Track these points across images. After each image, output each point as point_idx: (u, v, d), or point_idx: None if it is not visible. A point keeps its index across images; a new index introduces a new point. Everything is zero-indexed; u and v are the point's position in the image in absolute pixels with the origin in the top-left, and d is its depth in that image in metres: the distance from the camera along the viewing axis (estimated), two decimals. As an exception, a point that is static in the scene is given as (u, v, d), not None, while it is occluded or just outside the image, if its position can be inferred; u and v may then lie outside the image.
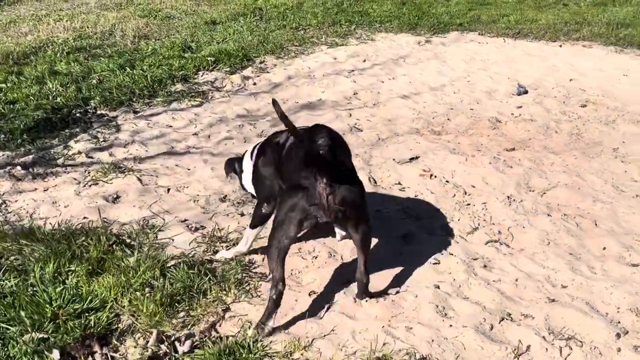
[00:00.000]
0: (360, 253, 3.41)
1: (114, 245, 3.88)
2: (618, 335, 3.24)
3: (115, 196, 4.73)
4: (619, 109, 6.85)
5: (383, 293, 3.61)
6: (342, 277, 3.76)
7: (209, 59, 8.18)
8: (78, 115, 6.31)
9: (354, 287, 3.60)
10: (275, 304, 3.21)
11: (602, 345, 3.18)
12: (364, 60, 8.68)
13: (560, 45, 9.66)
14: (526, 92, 7.44)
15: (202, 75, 7.81)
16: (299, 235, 3.27)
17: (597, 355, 3.12)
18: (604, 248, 4.13)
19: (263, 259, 3.90)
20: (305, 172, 3.15)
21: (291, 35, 9.89)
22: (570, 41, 9.95)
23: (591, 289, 3.68)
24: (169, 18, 11.17)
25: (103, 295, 3.39)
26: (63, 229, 4.06)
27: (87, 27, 10.06)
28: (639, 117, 6.64)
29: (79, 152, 5.51)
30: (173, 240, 4.10)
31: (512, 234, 4.30)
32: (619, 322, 3.38)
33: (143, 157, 5.49)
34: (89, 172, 5.10)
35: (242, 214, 4.50)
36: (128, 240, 4.00)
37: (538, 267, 3.91)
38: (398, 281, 3.74)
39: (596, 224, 4.45)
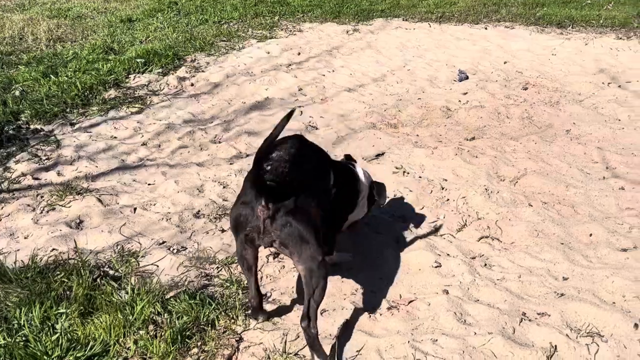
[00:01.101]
0: (307, 292, 2.93)
1: (98, 279, 3.56)
2: (636, 326, 3.27)
3: (78, 221, 4.37)
4: (559, 90, 7.03)
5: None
6: (347, 287, 3.62)
7: (138, 60, 7.76)
8: (11, 132, 5.80)
9: (361, 298, 3.48)
10: (256, 311, 3.29)
11: (624, 337, 3.20)
12: (299, 54, 8.51)
13: (486, 28, 9.83)
14: (467, 77, 7.51)
15: (134, 79, 7.40)
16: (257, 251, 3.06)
17: (622, 349, 3.13)
18: (591, 235, 4.18)
19: (261, 278, 3.71)
20: (249, 190, 2.90)
21: (216, 30, 9.58)
22: (492, 23, 10.16)
23: (592, 279, 3.70)
24: (80, 17, 10.56)
25: (102, 337, 3.09)
26: (35, 265, 3.69)
27: (-7, 32, 9.33)
28: (580, 96, 6.83)
29: (23, 174, 5.06)
30: (158, 266, 3.82)
31: (500, 227, 4.29)
32: (630, 312, 3.41)
33: (95, 175, 5.11)
34: (41, 196, 4.68)
35: (223, 230, 4.26)
36: (112, 272, 3.68)
37: (536, 260, 3.91)
38: (405, 289, 3.64)
39: (575, 210, 4.51)
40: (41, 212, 4.47)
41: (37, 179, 5.03)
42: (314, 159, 3.30)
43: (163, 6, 11.14)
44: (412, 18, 10.64)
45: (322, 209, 3.04)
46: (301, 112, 6.44)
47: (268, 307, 3.45)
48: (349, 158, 4.01)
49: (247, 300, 3.41)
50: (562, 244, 4.09)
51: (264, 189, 2.80)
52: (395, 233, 4.21)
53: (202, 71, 7.76)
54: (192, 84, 7.33)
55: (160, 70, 7.71)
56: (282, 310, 3.44)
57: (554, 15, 10.31)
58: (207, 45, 8.75)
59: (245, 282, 3.53)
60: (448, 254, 3.98)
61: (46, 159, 5.36)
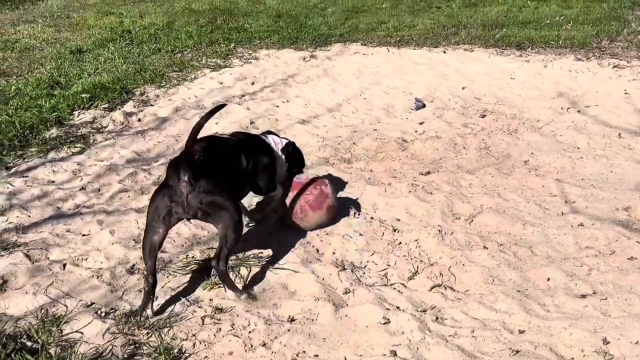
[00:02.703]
0: (220, 242, 3.72)
1: (13, 354, 3.24)
2: (595, 387, 3.05)
3: (1, 282, 4.04)
4: (518, 117, 6.87)
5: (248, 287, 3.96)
6: (288, 352, 3.35)
7: (83, 95, 7.45)
8: (-62, 180, 5.45)
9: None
10: (147, 295, 3.67)
11: (582, 401, 2.97)
12: (253, 83, 8.27)
13: (444, 51, 9.69)
14: (424, 105, 7.33)
15: (78, 116, 7.09)
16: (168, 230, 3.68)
17: (581, 415, 2.90)
18: (549, 279, 3.98)
19: (194, 344, 3.41)
20: (171, 171, 3.61)
21: (169, 60, 9.31)
22: (451, 46, 10.02)
23: (550, 331, 3.48)
24: (28, 49, 10.20)
25: None
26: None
27: None
28: (538, 123, 6.67)
29: (-53, 227, 4.72)
30: (83, 334, 3.51)
31: (453, 274, 4.05)
32: (589, 368, 3.19)
33: (27, 225, 4.79)
34: (-37, 254, 4.34)
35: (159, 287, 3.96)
36: (29, 344, 3.36)
37: (490, 311, 3.68)
38: (351, 351, 3.37)
39: (532, 251, 4.31)
40: (-40, 272, 4.13)
41: (-39, 232, 4.68)
42: (226, 145, 4.09)
43: (115, 35, 10.82)
44: (371, 42, 10.47)
45: (234, 180, 3.98)
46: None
47: (200, 378, 3.17)
48: (268, 132, 4.91)
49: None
50: (519, 291, 3.86)
51: (189, 167, 3.51)
52: (341, 284, 3.95)
53: (151, 105, 7.48)
54: (139, 119, 7.04)
55: (106, 105, 7.41)
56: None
57: (513, 36, 10.20)
58: (158, 77, 8.47)
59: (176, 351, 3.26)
60: (398, 307, 3.73)
61: (-25, 209, 5.01)
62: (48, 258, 4.35)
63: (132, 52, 9.77)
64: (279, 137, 4.82)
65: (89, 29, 11.64)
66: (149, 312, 3.66)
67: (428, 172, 5.59)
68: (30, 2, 15.06)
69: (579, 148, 6.03)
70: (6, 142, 6.22)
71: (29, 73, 8.75)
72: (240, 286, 3.91)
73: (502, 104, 7.30)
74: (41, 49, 10.26)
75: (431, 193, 5.17)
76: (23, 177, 5.61)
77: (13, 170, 5.76)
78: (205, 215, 3.66)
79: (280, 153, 4.63)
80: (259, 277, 4.07)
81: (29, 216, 4.93)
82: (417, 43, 10.28)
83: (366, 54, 9.75)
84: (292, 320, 3.62)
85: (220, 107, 3.68)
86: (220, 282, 3.90)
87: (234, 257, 4.24)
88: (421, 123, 6.80)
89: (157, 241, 3.65)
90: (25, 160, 5.97)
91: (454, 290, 3.91)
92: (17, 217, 4.89)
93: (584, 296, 3.79)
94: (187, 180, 3.51)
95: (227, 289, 3.81)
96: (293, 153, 4.80)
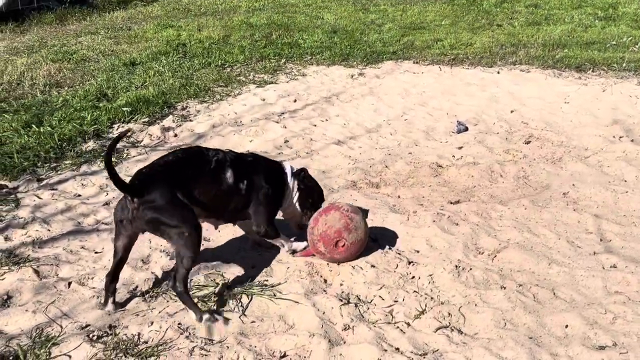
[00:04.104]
0: (175, 261, 3.80)
1: (-6, 377, 3.23)
2: None
3: (5, 297, 4.07)
4: (564, 145, 6.53)
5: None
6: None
7: (124, 109, 7.55)
8: (-29, 190, 5.59)
9: None
10: (106, 292, 3.95)
11: None
12: (295, 101, 8.20)
13: (498, 72, 9.38)
14: (466, 129, 7.08)
15: (117, 129, 7.18)
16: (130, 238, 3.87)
17: None
18: (567, 326, 3.70)
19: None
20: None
21: (216, 75, 9.36)
22: (507, 66, 9.70)
23: (557, 386, 3.21)
24: (84, 61, 10.47)
25: None
26: None
27: (-7, 77, 9.27)
28: (585, 152, 6.32)
29: (-31, 239, 4.81)
30: (71, 357, 3.48)
31: (463, 315, 3.83)
32: None
33: (45, 240, 4.84)
34: (-24, 267, 4.41)
35: (153, 310, 3.90)
36: (14, 365, 3.36)
37: (495, 359, 3.43)
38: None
39: (554, 294, 4.03)
40: (-32, 286, 4.19)
41: (-19, 244, 4.76)
42: (205, 160, 4.02)
43: (170, 49, 10.98)
44: (424, 61, 10.25)
45: (207, 198, 3.95)
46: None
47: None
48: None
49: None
50: (531, 338, 3.60)
51: (123, 189, 3.67)
52: (342, 320, 3.78)
53: (190, 120, 7.51)
54: (175, 135, 7.07)
55: (146, 119, 7.49)
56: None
57: (573, 57, 9.79)
58: (202, 92, 8.52)
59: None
60: (397, 349, 3.53)
61: (-1, 221, 5.11)
62: (57, 275, 4.37)
63: (182, 66, 9.88)
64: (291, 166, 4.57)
65: (147, 41, 11.87)
66: (108, 307, 3.91)
67: (457, 201, 5.36)
68: (98, 14, 15.53)
69: (625, 181, 5.67)
70: (42, 154, 6.35)
71: (80, 84, 8.95)
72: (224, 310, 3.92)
73: (550, 129, 6.97)
74: (97, 60, 10.52)
75: (457, 224, 4.94)
76: (52, 189, 5.70)
77: (44, 182, 5.86)
78: (154, 231, 3.78)
79: (290, 179, 4.42)
80: (259, 307, 3.95)
81: (49, 230, 4.98)
82: (472, 62, 10.00)
83: (416, 73, 9.54)
84: (283, 356, 3.49)
85: (124, 134, 4.03)
86: (215, 311, 3.84)
87: (238, 284, 4.14)
88: (460, 147, 6.56)
89: (120, 247, 3.86)
90: (58, 172, 6.07)
91: (461, 333, 3.69)
92: (37, 230, 4.95)
93: (602, 348, 3.50)
94: (129, 199, 3.67)
95: (188, 310, 3.78)
96: (305, 181, 4.48)
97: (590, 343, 3.55)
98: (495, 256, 4.49)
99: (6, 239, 4.84)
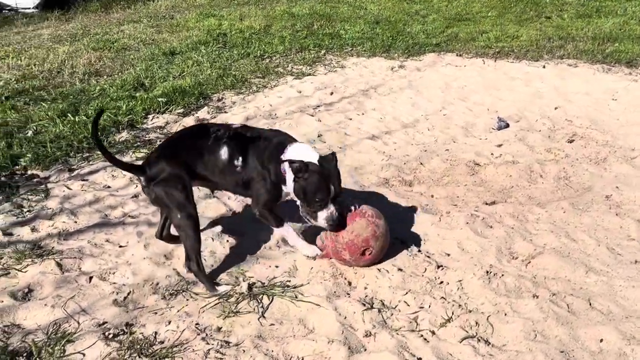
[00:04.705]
0: (184, 245, 4.01)
1: (6, 374, 3.19)
2: None
3: (26, 291, 4.05)
4: (610, 144, 6.24)
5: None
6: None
7: (160, 99, 7.51)
8: (3, 179, 5.61)
9: None
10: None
11: None
12: (332, 93, 8.05)
13: (544, 66, 9.06)
14: (507, 125, 6.83)
15: (151, 120, 7.15)
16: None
17: None
18: (601, 340, 3.49)
19: (189, 380, 3.24)
20: None
21: (254, 66, 9.28)
22: (554, 60, 9.37)
23: (588, 406, 3.02)
24: (125, 50, 10.50)
25: None
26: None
27: (34, 65, 9.36)
28: (632, 152, 6.03)
29: (-3, 228, 4.82)
30: (84, 355, 3.42)
31: (492, 324, 3.65)
32: None
33: (70, 232, 4.82)
34: (0, 258, 4.40)
35: (172, 309, 3.83)
36: (26, 362, 3.32)
37: (523, 374, 3.25)
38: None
39: (590, 304, 3.81)
40: (-9, 278, 4.18)
41: (9, 234, 4.77)
42: (205, 135, 4.12)
43: (210, 38, 10.93)
44: (467, 53, 9.98)
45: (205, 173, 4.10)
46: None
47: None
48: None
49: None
50: (562, 352, 3.41)
51: (131, 170, 4.26)
52: (364, 326, 3.64)
53: (225, 112, 7.43)
54: (209, 127, 6.98)
55: (181, 110, 7.44)
56: None
57: (624, 52, 9.40)
58: (239, 83, 8.44)
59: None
60: (419, 359, 3.38)
61: (27, 211, 5.11)
62: (80, 268, 4.33)
63: (221, 56, 9.82)
64: (312, 152, 4.04)
65: (188, 30, 11.86)
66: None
67: (493, 202, 5.16)
68: (142, 2, 15.62)
69: (674, 184, 5.37)
70: (75, 144, 6.35)
71: (119, 73, 8.96)
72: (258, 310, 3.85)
73: (595, 128, 6.67)
74: (137, 49, 10.53)
75: (491, 226, 4.75)
76: (82, 180, 5.68)
77: (75, 173, 5.84)
78: (162, 209, 4.21)
79: (288, 168, 3.95)
80: (279, 309, 3.85)
81: (76, 222, 4.96)
82: (517, 56, 9.69)
83: (459, 66, 9.29)
84: (300, 362, 3.37)
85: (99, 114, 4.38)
86: (234, 312, 3.78)
87: (259, 285, 4.04)
88: (499, 145, 6.33)
89: (161, 223, 4.41)
90: (90, 162, 6.05)
91: (488, 343, 3.51)
92: (64, 222, 4.93)
93: (639, 366, 3.29)
94: (139, 178, 4.10)
95: (204, 285, 4.03)
96: (301, 175, 3.90)
97: (626, 360, 3.34)
98: (530, 262, 4.29)
99: (33, 230, 4.83)
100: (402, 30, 11.48)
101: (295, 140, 4.17)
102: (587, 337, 3.53)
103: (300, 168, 3.86)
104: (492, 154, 6.13)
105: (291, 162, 3.88)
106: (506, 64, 9.35)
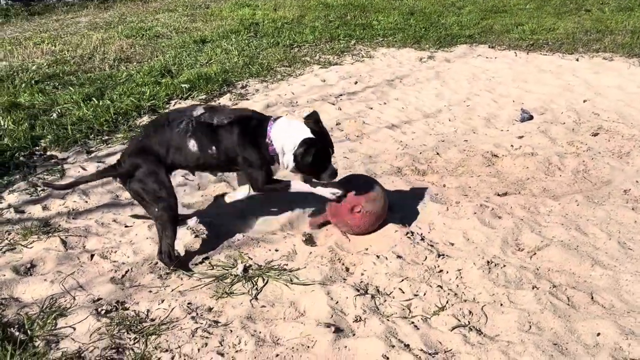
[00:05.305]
0: (159, 236, 4.03)
1: (-6, 344, 3.26)
2: None
3: (29, 266, 4.13)
4: (636, 138, 6.05)
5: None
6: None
7: (183, 85, 7.58)
8: (22, 158, 5.73)
9: None
10: None
11: None
12: (356, 82, 8.01)
13: (577, 59, 8.84)
14: (531, 117, 6.69)
15: (173, 105, 7.21)
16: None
17: None
18: (598, 334, 3.38)
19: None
20: None
21: (282, 55, 9.28)
22: (589, 53, 9.14)
23: (575, 400, 2.94)
24: (157, 37, 10.63)
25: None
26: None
27: (67, 51, 9.55)
28: (658, 147, 5.83)
29: (10, 206, 4.92)
30: (75, 329, 3.47)
31: (486, 314, 3.57)
32: None
33: (80, 211, 4.89)
34: (8, 233, 4.50)
35: (166, 288, 3.86)
36: (17, 334, 3.37)
37: (511, 365, 3.18)
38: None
39: (592, 298, 3.70)
40: (-4, 252, 4.28)
41: (20, 212, 4.87)
42: (173, 124, 4.00)
43: (242, 28, 10.99)
44: (500, 45, 9.82)
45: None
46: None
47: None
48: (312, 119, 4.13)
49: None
50: (555, 344, 3.32)
51: (105, 174, 4.30)
52: (354, 311, 3.61)
53: (247, 99, 7.46)
54: (229, 113, 7.01)
55: (204, 96, 7.49)
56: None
57: (664, 45, 9.11)
58: (264, 71, 8.46)
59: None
60: (406, 345, 3.34)
61: (41, 190, 5.21)
62: (84, 246, 4.40)
63: (251, 45, 9.87)
64: (308, 126, 4.01)
65: (221, 19, 11.95)
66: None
67: (505, 193, 5.05)
68: (181, -9, 15.77)
69: (697, 180, 5.18)
70: (96, 127, 6.45)
71: (148, 60, 9.08)
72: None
73: (622, 122, 6.48)
74: (169, 37, 10.66)
75: (500, 217, 4.65)
76: (99, 162, 5.76)
77: (93, 155, 5.94)
78: (141, 203, 4.18)
79: (280, 146, 3.97)
80: (273, 291, 3.84)
81: (86, 202, 5.04)
82: (551, 48, 9.49)
83: (489, 58, 9.14)
84: (286, 345, 3.35)
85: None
86: (228, 292, 3.80)
87: (255, 268, 4.04)
88: (520, 137, 6.20)
89: None
90: (108, 145, 6.15)
91: (480, 333, 3.44)
92: (74, 202, 5.01)
93: (633, 361, 3.18)
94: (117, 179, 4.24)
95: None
96: (305, 156, 3.95)
97: (621, 355, 3.23)
98: (535, 254, 4.18)
99: (44, 208, 4.92)
100: (435, 22, 11.36)
101: (269, 117, 4.13)
102: (583, 331, 3.42)
103: (306, 152, 3.92)
104: (511, 145, 6.01)
105: (296, 151, 3.95)
106: (539, 56, 9.16)
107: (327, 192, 4.23)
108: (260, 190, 4.16)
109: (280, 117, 4.14)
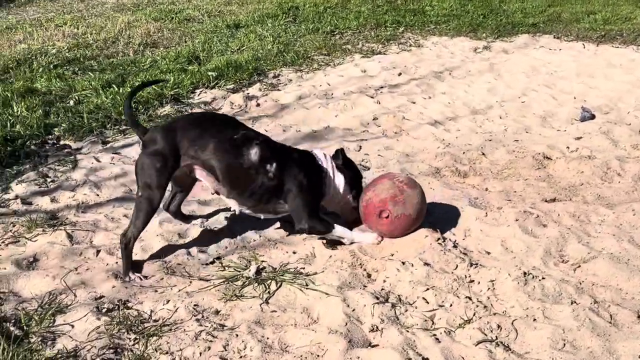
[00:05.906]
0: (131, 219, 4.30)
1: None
2: None
3: (32, 260, 4.35)
4: None
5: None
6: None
7: (210, 74, 7.78)
8: (33, 147, 6.00)
9: None
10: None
11: None
12: (400, 74, 8.11)
13: (653, 53, 8.75)
14: (593, 117, 6.67)
15: (198, 95, 7.43)
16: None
17: None
18: (640, 357, 3.41)
19: None
20: None
21: (322, 42, 9.42)
22: (671, 45, 9.02)
23: None
24: (187, 21, 10.91)
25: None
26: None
27: (90, 34, 9.89)
28: None
29: (17, 197, 5.18)
30: (73, 327, 3.67)
31: (516, 329, 3.63)
32: None
33: (90, 205, 5.12)
34: (13, 225, 4.74)
35: (173, 288, 4.03)
36: (13, 329, 3.58)
37: (538, 386, 3.23)
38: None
39: (639, 317, 3.72)
40: (-1, 245, 4.52)
41: (28, 203, 5.13)
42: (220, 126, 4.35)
43: (280, 12, 11.18)
44: (567, 36, 9.78)
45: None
46: (359, 147, 6.05)
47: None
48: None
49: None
50: (590, 365, 3.36)
51: (140, 127, 4.51)
52: (371, 320, 3.71)
53: (278, 89, 7.63)
54: (257, 104, 7.21)
55: (232, 86, 7.69)
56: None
57: None
58: (300, 59, 8.61)
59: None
60: (425, 359, 3.42)
61: (51, 182, 5.47)
62: (91, 241, 4.61)
63: (288, 31, 10.05)
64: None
65: (259, 2, 12.18)
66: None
67: (554, 200, 5.08)
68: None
69: None
70: (114, 116, 6.69)
71: (176, 45, 9.33)
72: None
73: (697, 124, 6.42)
74: (201, 21, 10.92)
75: (544, 225, 4.69)
76: (114, 153, 6.00)
77: (108, 145, 6.18)
78: None
79: (329, 166, 4.56)
80: (285, 296, 3.97)
81: (98, 195, 5.27)
82: (624, 40, 9.42)
83: (553, 49, 9.13)
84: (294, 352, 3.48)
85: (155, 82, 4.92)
86: (238, 295, 3.93)
87: (269, 270, 4.18)
88: (578, 138, 6.21)
89: (171, 195, 4.72)
90: (125, 136, 6.38)
91: (508, 349, 3.50)
92: (85, 194, 5.24)
93: (676, 387, 3.20)
94: None
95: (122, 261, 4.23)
96: (349, 162, 4.71)
97: (663, 380, 3.26)
98: (579, 266, 4.21)
99: (52, 200, 5.16)
100: (496, 8, 11.37)
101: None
102: (624, 351, 3.45)
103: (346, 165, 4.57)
104: (567, 147, 6.02)
105: (340, 166, 4.52)
106: (609, 49, 9.10)
107: (369, 237, 4.49)
108: (308, 222, 4.32)
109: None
